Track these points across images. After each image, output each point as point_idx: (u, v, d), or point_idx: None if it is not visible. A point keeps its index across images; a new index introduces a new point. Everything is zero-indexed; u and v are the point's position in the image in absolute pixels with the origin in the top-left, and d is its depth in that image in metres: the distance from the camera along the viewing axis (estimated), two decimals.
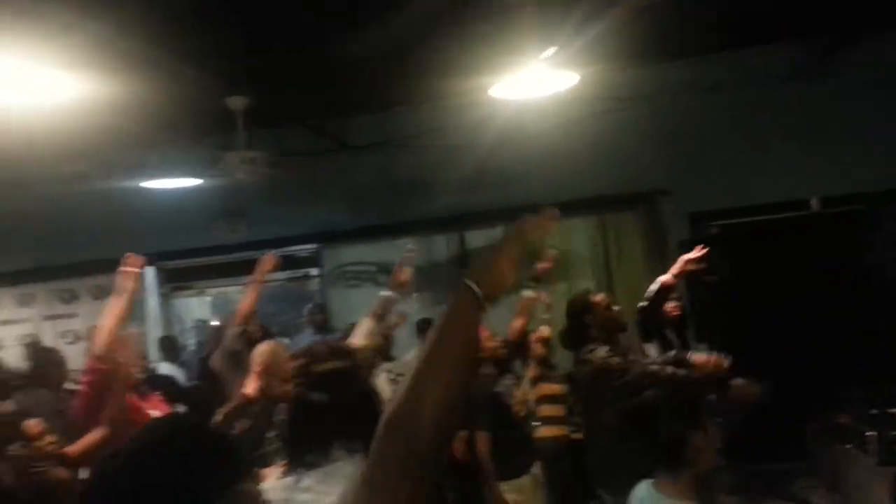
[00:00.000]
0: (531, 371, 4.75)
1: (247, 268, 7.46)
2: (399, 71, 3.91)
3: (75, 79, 3.54)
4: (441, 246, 6.50)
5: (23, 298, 7.54)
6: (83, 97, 3.83)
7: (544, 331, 4.77)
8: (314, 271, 7.20)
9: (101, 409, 3.19)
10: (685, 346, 4.54)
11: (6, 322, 7.54)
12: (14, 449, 2.36)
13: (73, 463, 2.85)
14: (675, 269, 3.84)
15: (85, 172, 5.85)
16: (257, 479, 0.99)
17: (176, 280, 7.66)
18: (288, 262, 7.37)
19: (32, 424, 2.86)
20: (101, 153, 5.52)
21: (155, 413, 3.44)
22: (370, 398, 1.71)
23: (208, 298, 8.52)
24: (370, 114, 5.46)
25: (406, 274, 3.18)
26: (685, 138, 5.69)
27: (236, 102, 4.67)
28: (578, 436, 4.40)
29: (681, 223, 5.97)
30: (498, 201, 6.22)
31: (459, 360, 0.85)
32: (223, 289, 8.12)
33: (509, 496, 3.74)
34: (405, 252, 3.29)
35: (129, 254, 3.29)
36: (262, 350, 3.07)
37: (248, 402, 2.94)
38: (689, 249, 4.06)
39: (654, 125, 5.48)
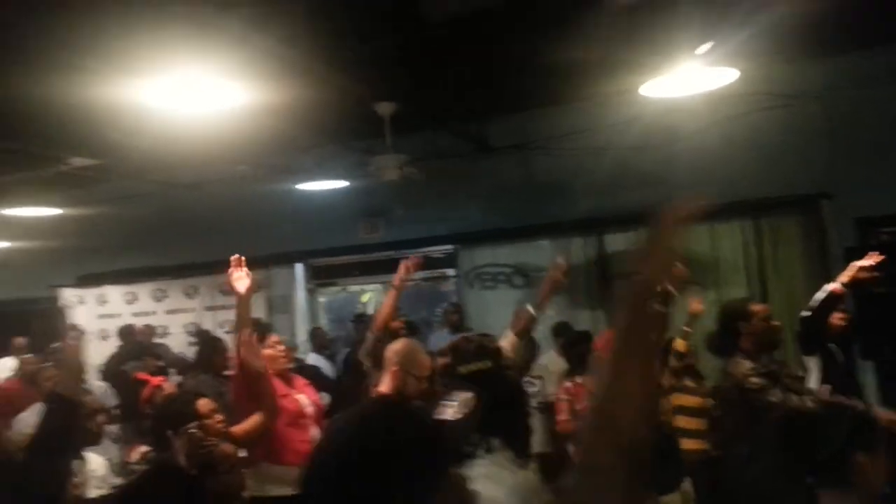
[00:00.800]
0: (665, 381, 4.57)
1: (385, 266, 7.80)
2: (547, 72, 3.88)
3: (241, 87, 3.81)
4: (579, 249, 6.39)
5: (188, 290, 8.25)
6: (248, 104, 4.12)
7: (679, 344, 4.54)
8: (450, 272, 7.32)
9: (250, 396, 3.41)
10: (850, 362, 4.17)
11: (174, 311, 8.29)
12: (190, 427, 2.54)
13: (236, 442, 3.07)
14: (844, 276, 3.52)
15: (246, 174, 6.30)
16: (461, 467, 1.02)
17: (321, 276, 8.07)
18: (424, 263, 7.56)
19: (204, 403, 3.10)
20: (260, 156, 5.93)
21: (302, 398, 3.65)
22: (517, 397, 1.70)
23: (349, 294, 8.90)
24: (512, 115, 5.47)
25: (552, 283, 3.18)
26: (851, 137, 5.21)
27: (384, 108, 4.86)
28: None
29: (845, 229, 5.48)
30: (639, 204, 6.02)
31: (647, 349, 0.89)
32: (363, 286, 8.47)
33: None
34: (556, 261, 3.29)
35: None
36: (396, 348, 2.99)
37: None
38: (857, 257, 3.72)
39: (818, 123, 5.06)
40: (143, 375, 4.21)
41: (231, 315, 7.85)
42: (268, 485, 3.32)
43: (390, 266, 7.66)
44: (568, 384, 4.37)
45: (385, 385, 2.92)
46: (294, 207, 6.92)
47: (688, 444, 4.33)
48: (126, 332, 7.27)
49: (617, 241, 6.29)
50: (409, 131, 5.38)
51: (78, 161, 4.61)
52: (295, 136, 5.30)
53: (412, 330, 5.77)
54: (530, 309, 3.14)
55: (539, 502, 1.48)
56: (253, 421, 3.19)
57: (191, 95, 3.66)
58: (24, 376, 5.94)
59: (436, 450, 0.99)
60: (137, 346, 6.93)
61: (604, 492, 0.84)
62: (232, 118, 4.33)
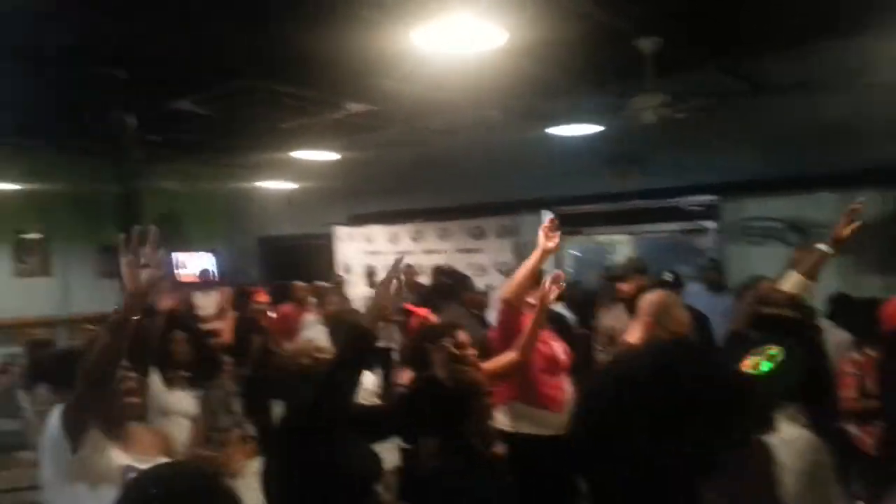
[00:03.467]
0: None
1: (636, 217, 7.45)
2: None
3: (502, 27, 3.77)
4: (874, 203, 5.48)
5: (442, 232, 8.72)
6: (506, 46, 4.08)
7: None
8: (709, 224, 6.77)
9: (509, 337, 3.48)
10: None
11: (429, 251, 8.83)
12: (445, 340, 2.64)
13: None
14: None
15: (498, 120, 6.37)
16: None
17: (568, 224, 7.94)
18: (680, 214, 7.07)
19: (462, 334, 3.27)
20: (513, 101, 5.93)
21: (556, 345, 3.63)
22: (817, 362, 1.45)
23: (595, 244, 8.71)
24: (795, 49, 4.78)
25: (847, 230, 2.72)
26: None
27: (646, 44, 4.53)
28: None
29: None
30: None
31: None
32: (612, 236, 8.22)
33: None
34: (852, 205, 2.81)
35: (551, 217, 3.23)
36: (651, 299, 2.94)
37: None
38: None
39: None
40: (409, 306, 4.45)
41: (480, 258, 8.27)
42: (519, 422, 3.40)
43: (641, 216, 7.37)
44: (855, 355, 3.76)
45: (633, 335, 2.88)
46: (544, 153, 6.86)
47: None
48: (444, 273, 7.63)
49: None
50: (671, 70, 4.96)
51: (354, 107, 4.99)
52: (549, 79, 5.19)
53: (678, 283, 5.53)
54: (823, 247, 2.73)
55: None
56: (506, 358, 3.28)
57: (455, 38, 3.71)
58: (297, 301, 6.78)
59: (741, 406, 0.84)
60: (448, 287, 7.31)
61: None
62: (490, 61, 4.34)
